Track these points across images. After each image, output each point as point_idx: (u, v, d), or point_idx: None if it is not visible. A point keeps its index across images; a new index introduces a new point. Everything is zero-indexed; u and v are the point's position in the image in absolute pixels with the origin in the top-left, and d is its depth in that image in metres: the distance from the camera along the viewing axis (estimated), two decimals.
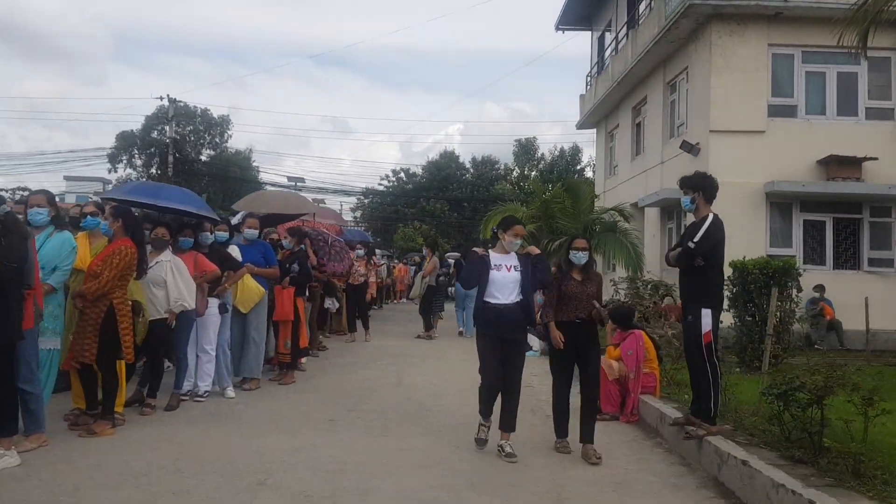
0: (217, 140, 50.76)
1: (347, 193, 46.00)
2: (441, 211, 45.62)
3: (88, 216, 6.94)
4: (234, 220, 10.57)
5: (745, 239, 12.95)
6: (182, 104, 46.80)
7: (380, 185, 52.03)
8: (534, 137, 48.11)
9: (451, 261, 14.78)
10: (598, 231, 17.79)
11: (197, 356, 7.60)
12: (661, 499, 4.97)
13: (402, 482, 5.06)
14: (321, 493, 4.77)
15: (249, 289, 8.26)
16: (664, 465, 5.82)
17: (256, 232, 8.70)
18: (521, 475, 5.33)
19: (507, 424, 5.89)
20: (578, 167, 39.12)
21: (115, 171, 47.22)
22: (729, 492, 5.09)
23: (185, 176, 38.71)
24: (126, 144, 47.78)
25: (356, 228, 36.25)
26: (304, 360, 9.73)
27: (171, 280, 6.87)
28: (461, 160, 50.44)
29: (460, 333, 15.87)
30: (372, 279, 14.41)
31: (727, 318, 11.70)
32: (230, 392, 7.79)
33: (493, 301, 5.82)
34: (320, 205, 18.28)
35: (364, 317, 13.70)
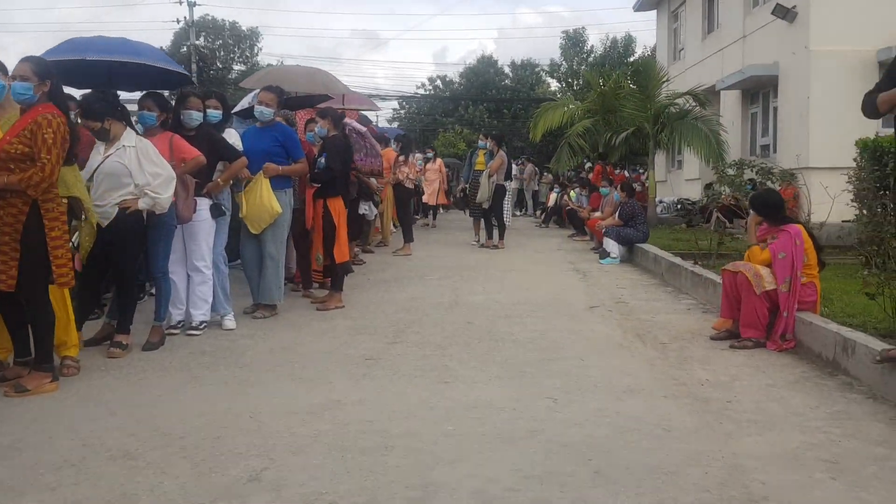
0: (247, 54, 48.57)
1: (383, 98, 43.24)
2: (480, 118, 43.04)
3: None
4: (243, 104, 8.54)
5: (852, 116, 10.74)
6: (210, 17, 44.61)
7: (416, 93, 49.47)
8: (583, 28, 44.55)
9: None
10: (670, 119, 15.83)
11: (188, 276, 5.68)
12: None
13: (483, 469, 3.08)
14: (350, 498, 2.83)
15: (259, 203, 6.05)
16: (881, 424, 3.73)
17: (272, 111, 6.39)
18: (674, 450, 3.32)
19: None
20: (632, 59, 35.80)
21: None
22: None
23: (214, 86, 36.71)
24: None
25: (390, 127, 34.21)
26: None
27: (135, 170, 4.87)
28: (499, 65, 47.55)
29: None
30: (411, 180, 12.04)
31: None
32: (229, 322, 5.81)
33: None
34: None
35: (407, 226, 11.67)
